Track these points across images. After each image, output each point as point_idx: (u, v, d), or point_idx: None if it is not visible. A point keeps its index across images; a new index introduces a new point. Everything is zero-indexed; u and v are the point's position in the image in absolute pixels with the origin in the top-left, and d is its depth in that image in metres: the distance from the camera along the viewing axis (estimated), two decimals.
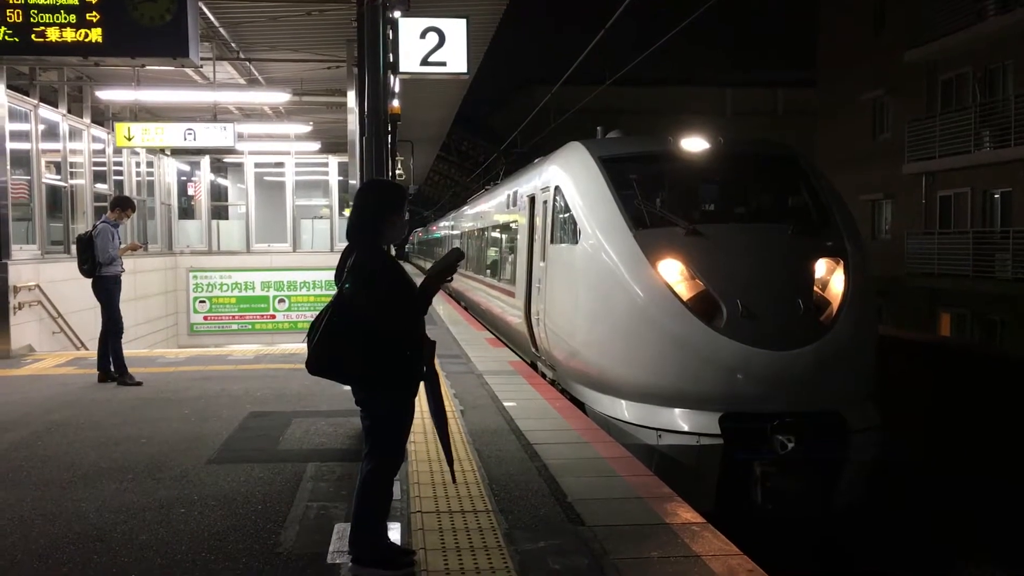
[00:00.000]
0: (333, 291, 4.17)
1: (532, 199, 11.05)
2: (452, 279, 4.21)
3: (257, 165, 22.22)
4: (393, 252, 4.75)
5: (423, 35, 8.23)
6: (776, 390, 7.16)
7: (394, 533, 4.62)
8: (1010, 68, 20.64)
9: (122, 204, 10.03)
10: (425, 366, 4.09)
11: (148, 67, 13.03)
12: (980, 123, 20.75)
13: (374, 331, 3.94)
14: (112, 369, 9.71)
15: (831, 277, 7.91)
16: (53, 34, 7.65)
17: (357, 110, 7.79)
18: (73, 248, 12.10)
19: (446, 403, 4.30)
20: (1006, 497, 9.39)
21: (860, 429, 7.33)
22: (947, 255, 21.53)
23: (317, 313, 4.11)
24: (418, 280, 4.19)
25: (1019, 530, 8.76)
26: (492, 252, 15.75)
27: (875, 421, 7.60)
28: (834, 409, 7.31)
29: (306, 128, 18.14)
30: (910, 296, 22.75)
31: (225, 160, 22.94)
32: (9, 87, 12.77)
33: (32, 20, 7.62)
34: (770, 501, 6.99)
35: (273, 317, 21.65)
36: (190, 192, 22.86)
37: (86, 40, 7.68)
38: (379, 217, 4.16)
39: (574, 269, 8.81)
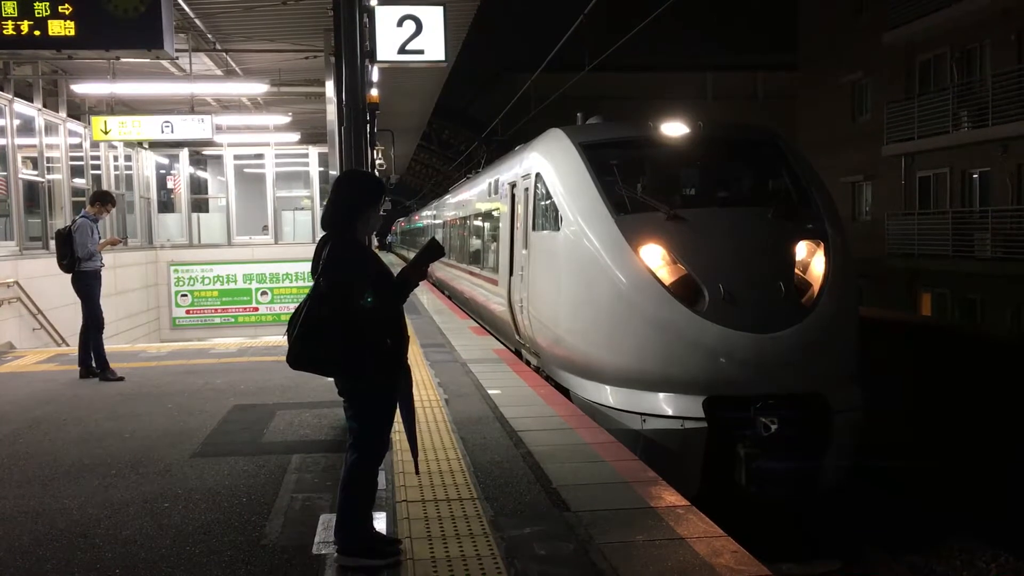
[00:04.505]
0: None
1: (513, 186, 11.03)
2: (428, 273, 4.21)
3: (236, 157, 22.09)
4: (375, 244, 4.72)
5: (400, 23, 8.17)
6: (759, 373, 7.20)
7: (379, 523, 4.62)
8: (987, 48, 20.75)
9: (102, 199, 9.93)
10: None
11: (123, 60, 12.90)
12: (958, 104, 20.87)
13: (353, 321, 3.92)
14: (94, 365, 9.63)
15: (812, 259, 7.94)
16: (25, 27, 7.54)
17: (336, 100, 7.73)
18: (52, 244, 12.00)
19: (419, 393, 4.32)
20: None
21: (843, 410, 7.39)
22: (927, 235, 21.70)
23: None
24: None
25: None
26: (475, 240, 15.72)
27: (858, 402, 7.66)
28: (817, 391, 7.36)
29: (285, 119, 18.02)
30: (891, 277, 22.91)
31: (204, 153, 22.81)
32: None
33: (3, 13, 7.52)
34: (754, 483, 7.03)
35: (256, 310, 21.57)
36: (169, 185, 22.73)
37: (59, 33, 7.58)
38: (354, 210, 4.13)
39: (556, 256, 8.81)
